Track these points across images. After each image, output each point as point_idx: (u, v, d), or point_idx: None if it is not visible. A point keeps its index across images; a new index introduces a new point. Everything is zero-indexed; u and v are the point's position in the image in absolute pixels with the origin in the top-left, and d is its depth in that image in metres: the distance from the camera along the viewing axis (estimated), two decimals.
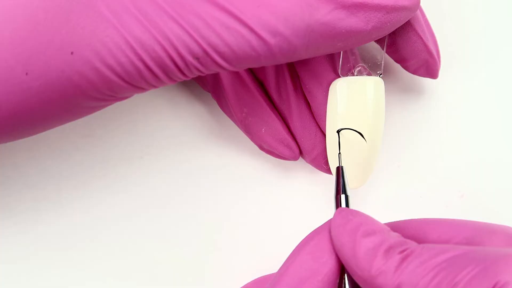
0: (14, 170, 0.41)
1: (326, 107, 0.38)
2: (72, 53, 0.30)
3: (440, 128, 0.42)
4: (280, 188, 0.41)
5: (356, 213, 0.32)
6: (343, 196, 0.34)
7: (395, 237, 0.31)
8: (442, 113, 0.42)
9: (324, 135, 0.39)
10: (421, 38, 0.36)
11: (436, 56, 0.38)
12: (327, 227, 0.32)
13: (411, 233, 0.32)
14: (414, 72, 0.39)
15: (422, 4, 0.36)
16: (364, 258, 0.30)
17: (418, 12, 0.36)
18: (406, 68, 0.39)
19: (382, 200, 0.41)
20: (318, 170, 0.40)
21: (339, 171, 0.35)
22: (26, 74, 0.30)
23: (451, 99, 0.42)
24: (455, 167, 0.41)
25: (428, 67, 0.38)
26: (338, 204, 0.34)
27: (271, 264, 0.41)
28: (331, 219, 0.33)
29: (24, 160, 0.41)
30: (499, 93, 0.42)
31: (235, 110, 0.39)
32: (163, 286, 0.41)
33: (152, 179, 0.41)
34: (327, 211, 0.41)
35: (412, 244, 0.30)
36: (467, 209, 0.41)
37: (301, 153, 0.40)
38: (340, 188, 0.34)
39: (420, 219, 0.33)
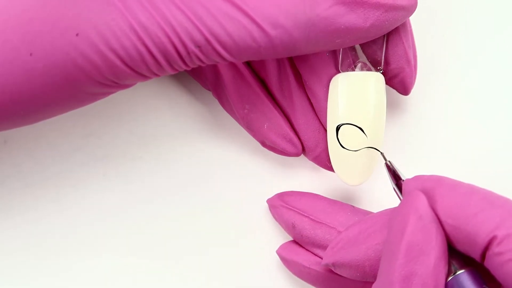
0: (14, 169, 0.41)
1: (326, 103, 0.38)
2: (77, 34, 0.30)
3: (439, 124, 0.42)
4: (282, 185, 0.41)
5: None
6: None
7: None
8: (442, 112, 0.42)
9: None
10: (403, 43, 0.37)
11: (413, 68, 0.38)
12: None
13: None
14: (389, 81, 0.38)
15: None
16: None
17: (407, 20, 0.37)
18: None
19: (382, 199, 0.41)
20: (320, 168, 0.40)
21: (388, 166, 0.35)
22: (31, 55, 0.30)
23: (452, 98, 0.42)
24: (455, 166, 0.41)
25: (403, 77, 0.38)
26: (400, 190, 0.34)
27: (272, 262, 0.41)
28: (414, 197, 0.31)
29: (24, 159, 0.41)
30: (499, 89, 0.42)
31: (237, 107, 0.39)
32: (163, 284, 0.41)
33: (152, 178, 0.41)
34: None
35: None
36: None
37: (304, 151, 0.40)
38: (398, 175, 0.34)
39: None
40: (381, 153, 0.36)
